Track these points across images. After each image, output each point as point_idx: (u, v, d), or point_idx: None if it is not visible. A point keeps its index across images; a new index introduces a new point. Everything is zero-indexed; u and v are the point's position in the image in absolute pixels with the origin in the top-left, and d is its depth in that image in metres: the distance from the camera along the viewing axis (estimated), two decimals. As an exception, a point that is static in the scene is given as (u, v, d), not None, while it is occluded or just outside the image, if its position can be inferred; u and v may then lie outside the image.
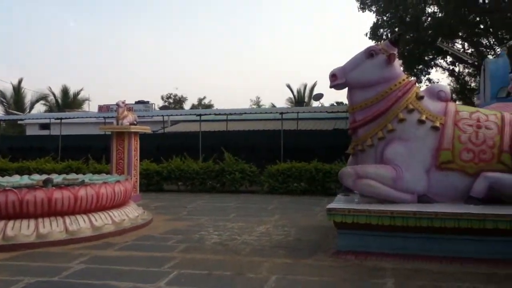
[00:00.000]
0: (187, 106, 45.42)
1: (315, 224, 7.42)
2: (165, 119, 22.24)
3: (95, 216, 6.63)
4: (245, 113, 18.37)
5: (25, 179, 8.25)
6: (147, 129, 11.68)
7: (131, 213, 7.37)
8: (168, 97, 46.35)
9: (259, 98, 45.84)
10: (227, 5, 73.10)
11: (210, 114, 18.54)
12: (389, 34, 21.83)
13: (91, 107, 35.83)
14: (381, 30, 23.45)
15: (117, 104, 11.03)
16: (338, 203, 5.68)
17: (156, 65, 69.90)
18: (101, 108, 25.63)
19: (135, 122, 11.00)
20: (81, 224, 6.37)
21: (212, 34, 71.50)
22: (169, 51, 71.23)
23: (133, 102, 25.53)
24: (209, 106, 44.72)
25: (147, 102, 27.14)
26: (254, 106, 42.31)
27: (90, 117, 21.97)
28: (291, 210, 9.15)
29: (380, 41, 18.83)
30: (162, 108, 40.23)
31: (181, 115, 23.10)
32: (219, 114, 18.24)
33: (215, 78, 69.67)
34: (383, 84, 5.73)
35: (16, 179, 8.25)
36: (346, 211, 5.23)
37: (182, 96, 46.45)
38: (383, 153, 5.64)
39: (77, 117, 21.22)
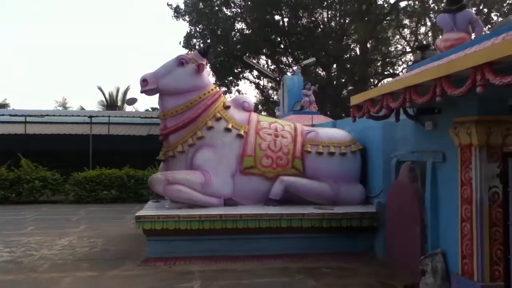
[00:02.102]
0: (-27, 104, 39.00)
1: (125, 232, 7.17)
2: None
3: None
4: (48, 115, 16.63)
5: None
6: None
7: None
8: None
9: (65, 99, 42.16)
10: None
11: (4, 115, 16.23)
12: (201, 45, 22.70)
13: None
14: (194, 40, 24.24)
15: None
16: (148, 210, 5.62)
17: None
18: None
19: None
20: None
21: (12, 22, 63.08)
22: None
23: None
24: (4, 105, 39.24)
25: None
26: (60, 108, 38.81)
27: None
28: (100, 219, 8.64)
29: (192, 51, 19.44)
30: None
31: (-35, 114, 19.71)
32: (16, 116, 16.12)
33: (12, 74, 61.45)
34: (193, 92, 5.93)
35: None
36: (156, 218, 5.21)
37: (-31, 93, 39.76)
38: (193, 159, 5.82)
39: None
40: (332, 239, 5.51)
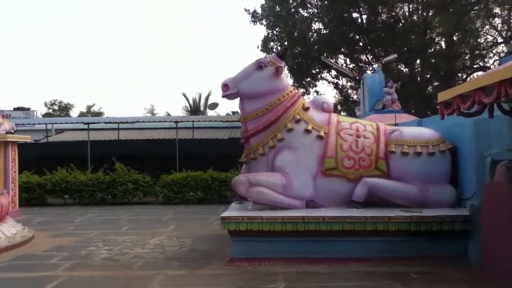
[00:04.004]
0: (74, 113, 42.73)
1: (211, 233, 7.42)
2: (48, 127, 20.59)
3: (-38, 236, 5.90)
4: (138, 121, 17.76)
5: None
6: (27, 138, 10.71)
7: (8, 230, 6.69)
8: (53, 104, 43.16)
9: (153, 106, 44.79)
10: (118, 9, 70.52)
11: (99, 123, 17.59)
12: (278, 47, 22.86)
13: (-40, 113, 31.86)
14: (272, 43, 24.46)
15: (-9, 111, 9.98)
16: (232, 211, 5.76)
17: (39, 69, 64.69)
18: (-28, 114, 22.94)
19: (12, 131, 10.02)
20: None
21: (101, 37, 68.36)
22: (53, 54, 66.42)
23: (11, 109, 23.34)
24: (99, 114, 42.54)
25: (28, 109, 25.00)
26: (148, 115, 41.22)
27: (-42, 125, 19.51)
28: (187, 220, 9.04)
29: (270, 54, 19.64)
30: (45, 115, 37.30)
31: (67, 123, 21.60)
32: (110, 123, 17.40)
33: (105, 84, 66.53)
34: (272, 95, 5.98)
35: None
36: (240, 219, 5.33)
37: (68, 103, 43.58)
38: (274, 161, 5.87)
39: None
40: (420, 243, 5.26)
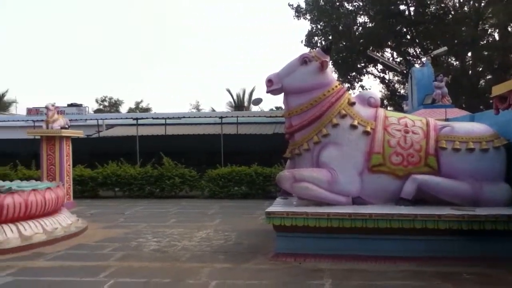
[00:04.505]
0: (123, 109, 44.16)
1: (255, 227, 7.49)
2: (99, 122, 21.42)
3: (24, 225, 6.26)
4: (184, 117, 18.12)
5: None
6: (80, 133, 11.23)
7: (64, 221, 7.04)
8: (103, 100, 44.80)
9: (198, 102, 45.57)
10: (164, 6, 72.04)
11: (147, 118, 18.12)
12: (323, 42, 22.59)
13: (18, 110, 33.77)
14: (316, 38, 24.19)
15: (47, 107, 10.51)
16: (277, 206, 5.78)
17: (90, 66, 67.29)
18: (30, 111, 24.25)
19: (66, 126, 10.53)
20: (8, 234, 5.99)
21: (149, 35, 70.12)
22: (103, 52, 68.86)
23: (65, 105, 24.44)
24: (147, 109, 43.73)
25: (80, 105, 26.07)
26: (194, 110, 41.97)
27: (18, 121, 20.67)
28: (232, 214, 9.16)
29: (314, 48, 19.44)
30: (96, 111, 38.79)
31: (117, 118, 22.40)
32: (157, 118, 17.89)
33: (153, 81, 68.26)
34: (317, 90, 5.92)
35: None
36: (285, 214, 5.34)
37: (118, 99, 45.10)
38: (319, 156, 5.82)
39: (3, 121, 19.92)
40: (472, 242, 5.07)
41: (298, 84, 5.95)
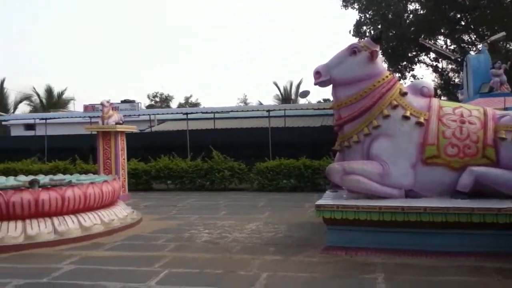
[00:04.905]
0: (173, 104, 45.26)
1: (305, 220, 7.47)
2: (151, 118, 22.11)
3: (83, 216, 6.59)
4: (232, 111, 18.35)
5: (11, 181, 8.15)
6: (133, 128, 11.63)
7: (120, 212, 7.34)
8: (155, 96, 46.13)
9: (246, 96, 45.83)
10: (211, 2, 72.89)
11: (197, 113, 18.48)
12: (372, 31, 22.01)
13: (76, 106, 35.44)
14: (364, 27, 23.63)
15: (102, 104, 10.98)
16: (327, 199, 5.73)
17: (142, 64, 69.42)
18: (86, 107, 25.38)
19: (121, 122, 10.94)
20: (69, 225, 6.33)
21: (197, 32, 71.27)
22: (154, 49, 70.74)
23: (119, 101, 25.36)
24: (196, 104, 44.58)
25: (133, 101, 26.96)
26: (241, 104, 42.30)
27: (76, 117, 21.74)
28: (281, 207, 9.19)
29: (363, 38, 18.98)
30: (148, 107, 39.98)
31: (168, 114, 22.98)
32: (206, 113, 18.21)
33: (201, 76, 69.43)
34: (366, 81, 5.77)
35: (1, 180, 8.15)
36: (335, 207, 5.28)
37: (168, 95, 46.26)
38: (369, 149, 5.69)
39: (63, 117, 21.01)
40: (536, 238, 4.81)
41: (347, 75, 5.84)
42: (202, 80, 67.92)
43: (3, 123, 28.54)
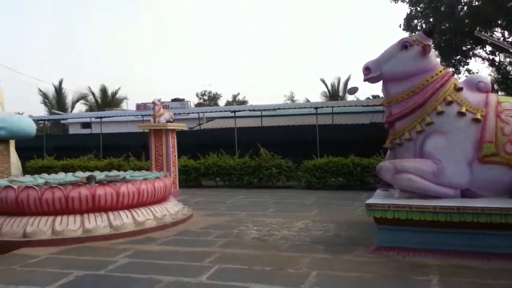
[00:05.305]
0: (221, 102, 45.87)
1: (354, 219, 7.36)
2: (200, 116, 22.54)
3: (137, 211, 6.83)
4: (279, 108, 18.32)
5: (70, 176, 8.60)
6: (183, 126, 11.91)
7: (172, 208, 7.54)
8: (203, 94, 46.96)
9: (293, 93, 45.67)
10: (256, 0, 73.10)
11: (244, 110, 18.62)
12: (423, 25, 21.26)
13: (129, 105, 36.71)
14: (415, 21, 22.85)
15: (153, 102, 11.30)
16: (378, 198, 5.62)
17: (190, 63, 70.85)
18: (138, 106, 26.23)
19: (171, 120, 11.23)
20: (124, 220, 6.57)
21: (243, 29, 71.78)
22: (201, 49, 71.96)
23: (169, 100, 26.00)
24: (243, 102, 44.95)
25: (183, 100, 27.56)
26: (288, 101, 42.21)
27: (129, 116, 22.53)
28: (329, 205, 9.10)
29: (414, 32, 18.37)
30: (197, 105, 40.73)
31: (216, 111, 23.32)
32: (254, 110, 18.31)
33: (248, 74, 69.89)
34: (419, 76, 5.61)
35: (61, 176, 8.60)
36: (386, 207, 5.17)
37: (216, 93, 46.95)
38: (422, 146, 5.52)
39: (116, 116, 21.85)
40: None
41: (398, 70, 5.69)
42: (249, 78, 68.40)
43: (62, 121, 30.12)
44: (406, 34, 19.76)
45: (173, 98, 27.29)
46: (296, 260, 4.95)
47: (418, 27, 21.68)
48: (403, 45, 5.71)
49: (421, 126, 5.54)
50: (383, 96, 6.10)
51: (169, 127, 10.91)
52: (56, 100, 35.24)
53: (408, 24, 22.92)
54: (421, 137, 5.55)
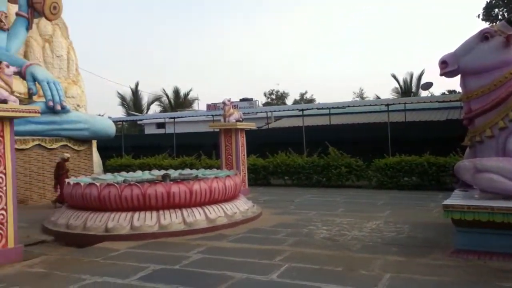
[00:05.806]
0: (289, 101, 45.92)
1: (429, 221, 7.05)
2: (268, 115, 22.72)
3: (209, 208, 7.03)
4: (348, 106, 17.98)
5: (146, 174, 9.06)
6: (252, 125, 12.08)
7: (242, 206, 7.67)
8: (271, 94, 47.29)
9: (362, 90, 44.56)
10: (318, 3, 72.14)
11: (312, 109, 18.49)
12: (505, 14, 19.78)
13: (200, 106, 37.88)
14: (496, 10, 21.33)
15: (223, 103, 11.57)
16: (456, 199, 5.33)
17: (258, 63, 71.58)
18: (209, 106, 27.01)
19: (240, 119, 11.42)
20: (197, 216, 6.80)
21: (311, 26, 71.20)
22: (269, 48, 72.42)
23: (238, 100, 26.50)
24: (311, 100, 44.66)
25: (251, 99, 27.97)
26: (357, 99, 41.29)
27: (200, 116, 23.25)
28: (403, 205, 8.78)
29: (495, 22, 17.16)
30: (265, 104, 41.09)
31: (284, 110, 23.39)
32: (322, 108, 18.12)
33: (316, 72, 69.25)
34: (501, 69, 5.25)
35: (138, 174, 9.09)
36: (466, 208, 4.90)
37: (284, 92, 47.06)
38: (505, 144, 5.17)
39: (188, 116, 22.63)
40: None
41: (478, 63, 5.37)
42: (317, 76, 67.73)
43: (138, 122, 31.76)
44: (485, 25, 18.52)
45: (241, 98, 27.75)
46: (368, 261, 4.84)
47: (500, 17, 20.24)
48: (484, 36, 5.37)
49: (504, 122, 5.19)
50: (461, 91, 5.78)
51: (238, 126, 11.12)
52: (133, 102, 37.19)
53: (488, 14, 21.46)
54: (504, 134, 5.21)
